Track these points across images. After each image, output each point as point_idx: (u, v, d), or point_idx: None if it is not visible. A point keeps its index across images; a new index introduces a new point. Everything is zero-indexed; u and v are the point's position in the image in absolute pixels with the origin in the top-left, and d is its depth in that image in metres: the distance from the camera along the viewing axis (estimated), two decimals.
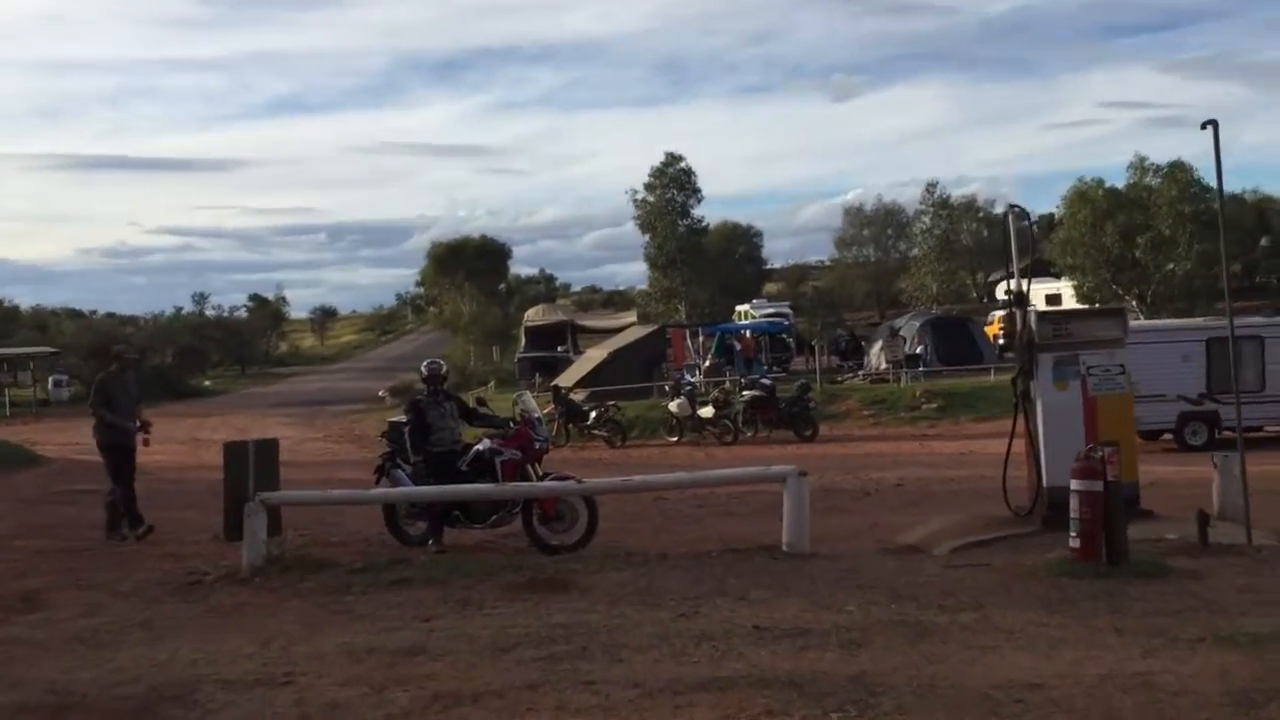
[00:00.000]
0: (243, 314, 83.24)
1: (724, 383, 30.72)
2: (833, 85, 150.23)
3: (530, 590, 7.83)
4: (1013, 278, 9.63)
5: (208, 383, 56.81)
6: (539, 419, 11.24)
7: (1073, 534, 7.31)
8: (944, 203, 49.54)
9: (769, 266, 77.70)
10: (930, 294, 47.91)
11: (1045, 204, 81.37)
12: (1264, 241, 63.61)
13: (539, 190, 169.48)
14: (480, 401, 11.78)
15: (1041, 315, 8.87)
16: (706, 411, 25.55)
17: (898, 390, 28.80)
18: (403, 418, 11.43)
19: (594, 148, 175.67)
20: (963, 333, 36.67)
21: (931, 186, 48.83)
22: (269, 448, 9.67)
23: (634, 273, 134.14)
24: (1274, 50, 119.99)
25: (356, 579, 8.73)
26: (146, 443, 12.60)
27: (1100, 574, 7.06)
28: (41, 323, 65.29)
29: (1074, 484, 7.27)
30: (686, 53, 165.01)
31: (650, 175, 47.07)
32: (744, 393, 25.68)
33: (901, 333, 36.32)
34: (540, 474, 11.00)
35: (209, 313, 77.99)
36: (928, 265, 47.23)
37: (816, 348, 36.25)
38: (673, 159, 46.90)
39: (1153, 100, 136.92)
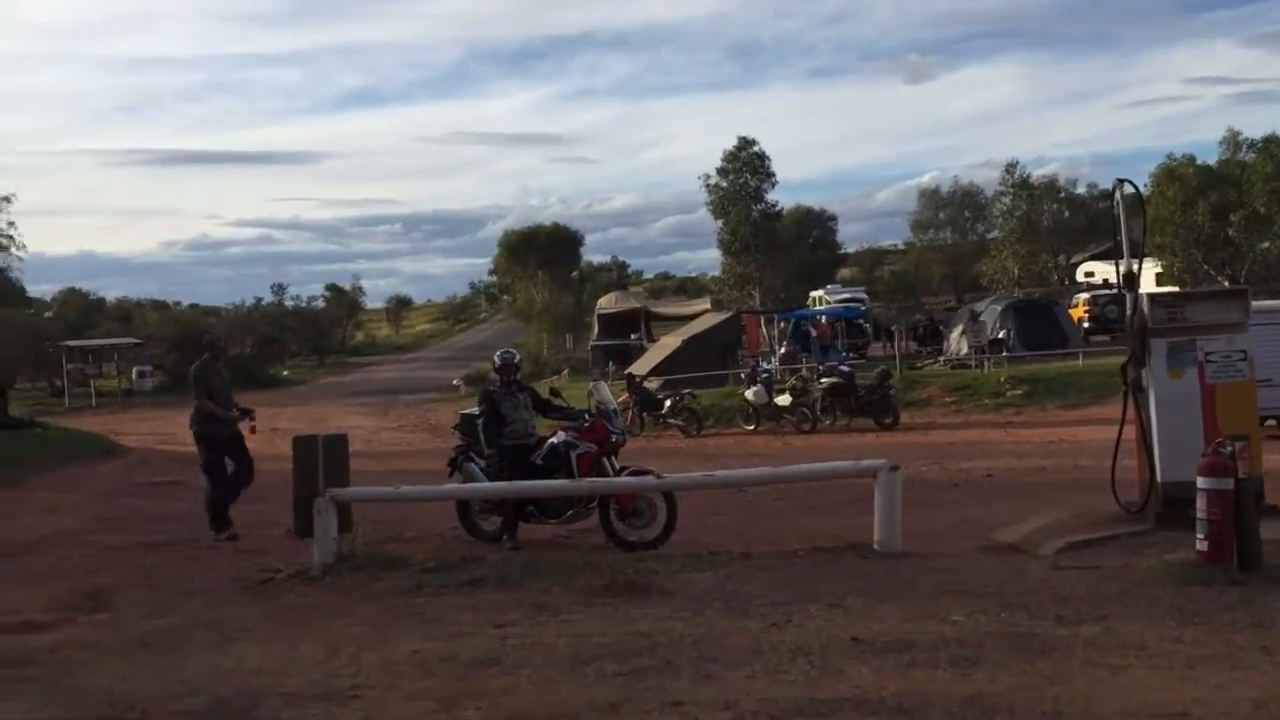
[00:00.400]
0: (320, 304, 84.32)
1: (801, 370, 30.13)
2: (907, 66, 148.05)
3: (609, 594, 7.42)
4: (1106, 259, 8.96)
5: (286, 372, 57.40)
6: (615, 410, 10.84)
7: (1199, 535, 6.69)
8: (1024, 183, 47.97)
9: (843, 251, 76.54)
10: (1012, 277, 46.58)
11: (1138, 182, 78.62)
12: None
13: (611, 178, 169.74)
14: (554, 392, 11.42)
15: (1154, 298, 8.22)
16: (784, 400, 24.98)
17: (981, 376, 27.94)
18: (475, 409, 11.10)
19: (666, 134, 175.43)
20: (1047, 316, 35.51)
21: (1011, 167, 47.57)
22: (338, 443, 9.40)
23: (706, 259, 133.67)
24: None
25: (429, 579, 8.40)
26: (253, 430, 12.46)
27: (1233, 580, 6.44)
28: (125, 314, 66.59)
29: (1201, 481, 6.66)
30: (759, 36, 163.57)
31: (723, 160, 46.45)
32: (822, 380, 25.08)
33: (983, 317, 35.33)
34: (617, 468, 10.60)
35: (287, 303, 79.15)
36: (1009, 247, 45.82)
37: (896, 333, 35.33)
38: (746, 143, 46.23)
39: (1238, 75, 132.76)
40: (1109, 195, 9.14)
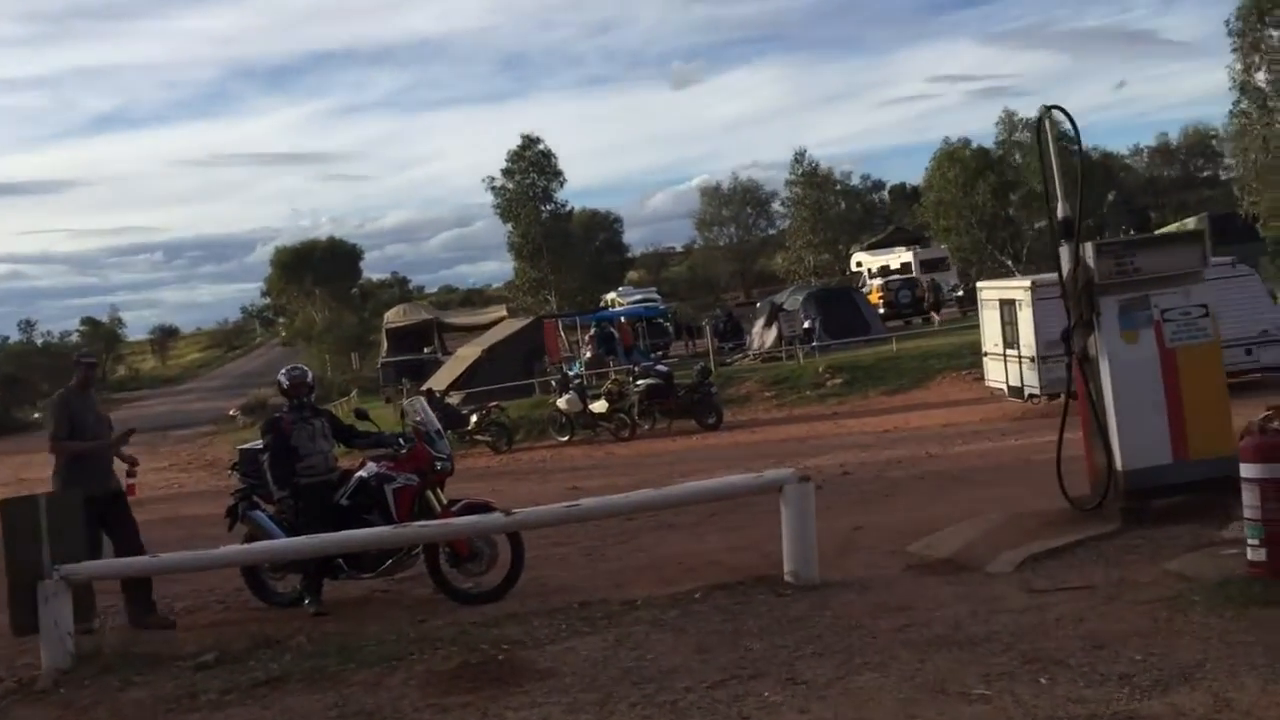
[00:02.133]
0: (74, 339, 77.36)
1: (610, 373, 28.45)
2: (671, 73, 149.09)
3: (465, 683, 5.39)
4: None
5: (36, 414, 51.70)
6: (438, 431, 8.72)
7: (1252, 541, 5.22)
8: (813, 171, 47.83)
9: (630, 254, 75.76)
10: (808, 267, 46.35)
11: (891, 177, 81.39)
12: (1110, 197, 64.43)
13: (384, 194, 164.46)
14: (360, 414, 9.13)
15: (1101, 247, 6.79)
16: (599, 406, 23.19)
17: (798, 367, 26.92)
18: (258, 442, 8.78)
19: (438, 148, 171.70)
20: (848, 303, 35.03)
21: (800, 155, 47.33)
22: (66, 504, 6.93)
23: (487, 271, 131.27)
24: (1088, 19, 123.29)
25: (206, 680, 6.13)
26: (133, 490, 9.07)
27: None
28: None
29: (1249, 469, 5.20)
30: (528, 47, 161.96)
31: (508, 160, 44.27)
32: (638, 382, 23.41)
33: (785, 306, 34.65)
34: (443, 501, 8.52)
35: (37, 340, 72.09)
36: (802, 237, 45.55)
37: (708, 329, 34.11)
38: (530, 141, 44.15)
39: (977, 72, 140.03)
40: (1035, 126, 7.63)
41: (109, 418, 9.14)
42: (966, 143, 43.01)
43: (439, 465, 8.49)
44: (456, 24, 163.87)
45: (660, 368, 23.93)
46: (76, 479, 8.23)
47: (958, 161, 42.51)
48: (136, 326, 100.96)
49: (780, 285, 57.73)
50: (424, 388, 28.48)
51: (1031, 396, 18.06)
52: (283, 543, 7.20)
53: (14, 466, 33.06)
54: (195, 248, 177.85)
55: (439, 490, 8.58)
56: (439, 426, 8.78)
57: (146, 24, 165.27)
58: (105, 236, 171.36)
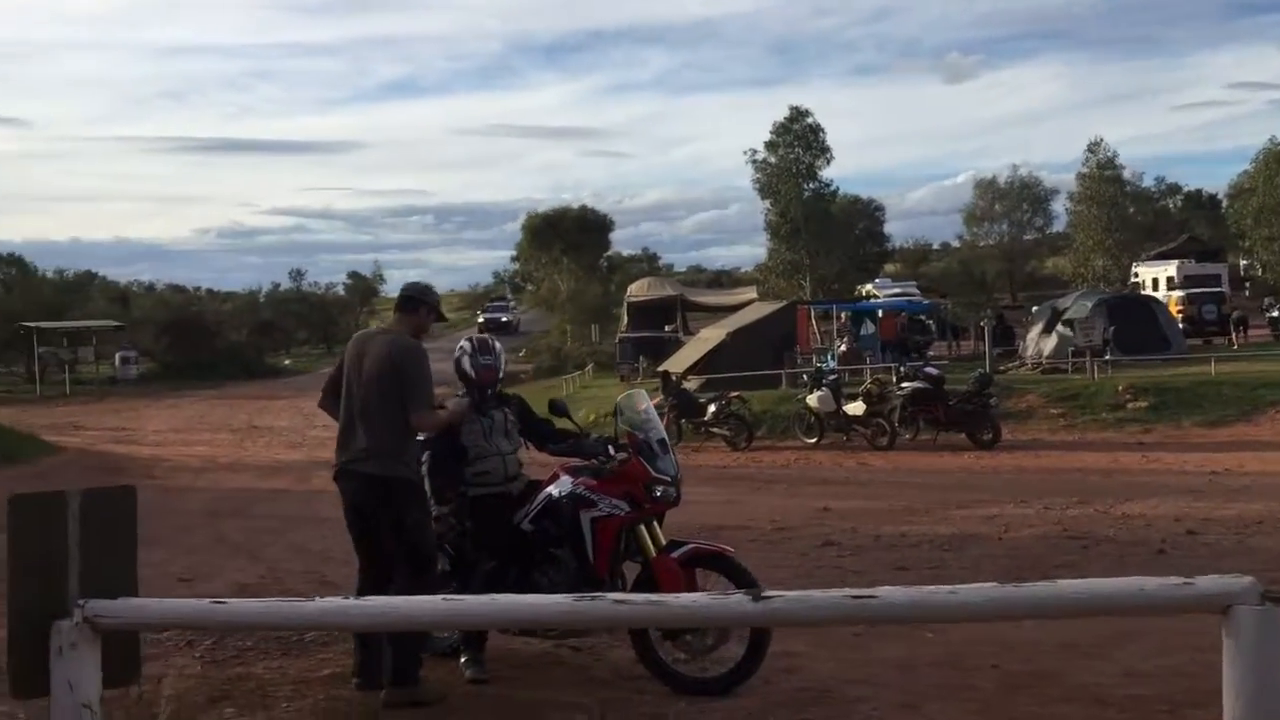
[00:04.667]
0: (339, 291, 79.91)
1: (866, 371, 25.43)
2: (946, 66, 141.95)
3: None
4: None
5: (288, 361, 53.04)
6: (663, 442, 6.13)
7: None
8: (1110, 163, 42.13)
9: (891, 245, 71.66)
10: (1095, 272, 41.21)
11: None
12: None
13: (644, 172, 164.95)
14: (558, 409, 6.57)
15: None
16: (855, 408, 20.27)
17: (1091, 384, 23.07)
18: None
19: (702, 130, 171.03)
20: (1144, 315, 30.59)
21: (1095, 145, 41.82)
22: (115, 504, 4.72)
23: (739, 254, 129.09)
24: None
25: None
26: None
27: None
28: (121, 295, 62.34)
29: None
30: (799, 33, 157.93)
31: (772, 132, 41.28)
32: (903, 385, 20.32)
33: (1070, 314, 30.53)
34: (661, 541, 5.97)
35: (306, 290, 74.65)
36: (1092, 237, 40.47)
37: (986, 330, 30.41)
38: (798, 114, 41.00)
39: None
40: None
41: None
42: None
43: (659, 492, 5.92)
44: (730, 7, 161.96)
45: (930, 370, 20.75)
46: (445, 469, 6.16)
47: None
48: (396, 284, 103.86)
49: (1055, 289, 52.69)
50: (661, 369, 26.28)
51: None
52: (410, 605, 4.67)
53: (252, 411, 33.10)
54: (462, 213, 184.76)
55: (656, 525, 6.04)
56: (664, 435, 6.19)
57: None
58: (382, 197, 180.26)
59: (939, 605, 4.42)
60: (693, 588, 5.84)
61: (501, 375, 6.41)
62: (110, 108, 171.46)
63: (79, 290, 54.85)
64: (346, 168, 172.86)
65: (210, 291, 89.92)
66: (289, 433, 26.77)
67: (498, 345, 6.48)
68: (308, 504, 12.99)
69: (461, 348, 6.44)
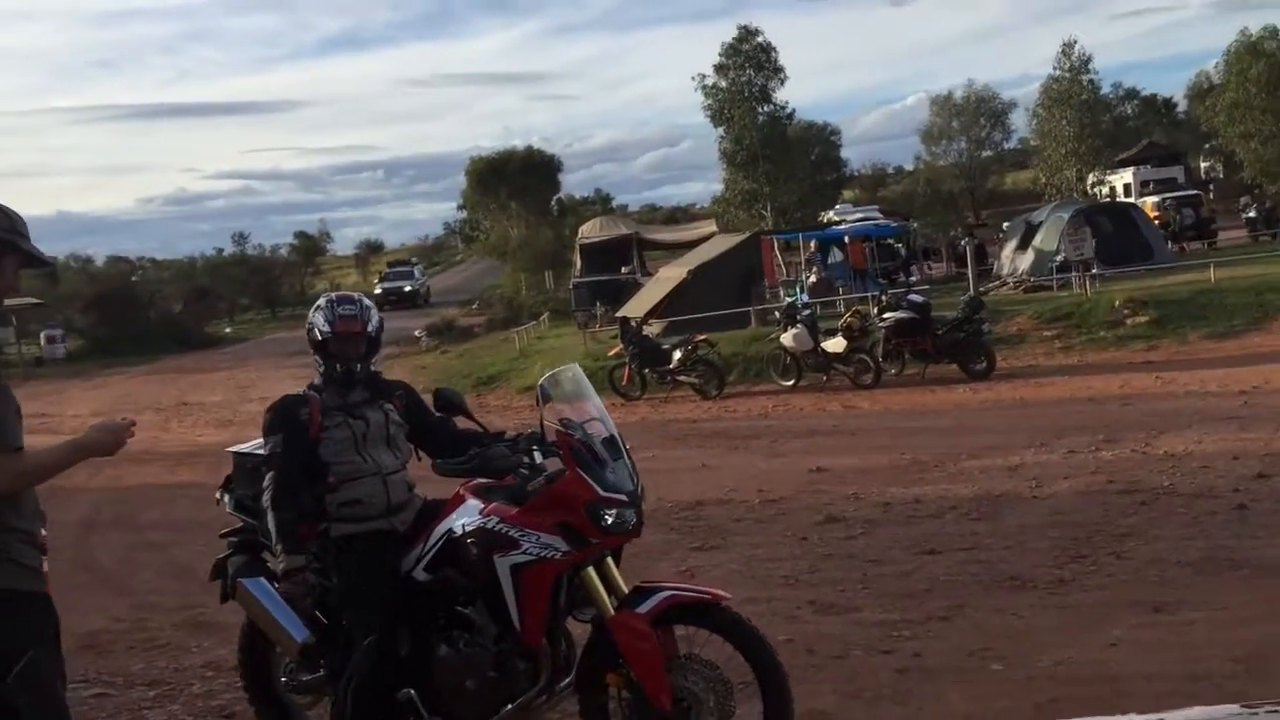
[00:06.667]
0: (284, 253, 76.94)
1: (840, 302, 23.57)
2: None
3: None
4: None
5: (228, 329, 50.47)
6: (612, 440, 4.15)
7: None
8: (1085, 65, 39.74)
9: (849, 171, 69.59)
10: (1067, 183, 39.23)
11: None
12: None
13: (593, 114, 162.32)
14: (448, 403, 4.48)
15: None
16: (835, 344, 18.38)
17: (1086, 301, 21.27)
18: (259, 444, 4.44)
19: (648, 68, 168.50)
20: (1127, 224, 28.88)
21: (1068, 46, 39.48)
22: None
23: (692, 192, 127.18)
24: None
25: None
26: None
27: None
28: (50, 271, 59.26)
29: None
30: None
31: (721, 54, 38.78)
32: (884, 315, 18.44)
33: (1045, 227, 28.79)
34: (621, 588, 4.05)
35: (250, 253, 71.66)
36: (1066, 145, 38.47)
37: (968, 249, 28.59)
38: (748, 33, 38.48)
39: None
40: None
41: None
42: (1275, 31, 35.25)
43: (609, 519, 3.94)
44: None
45: (914, 297, 18.82)
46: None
47: (1263, 56, 34.91)
48: (347, 242, 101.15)
49: (1020, 205, 50.85)
50: (619, 314, 24.28)
51: None
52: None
53: (185, 387, 30.77)
54: (411, 166, 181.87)
55: (611, 563, 4.09)
56: (613, 432, 4.17)
57: None
58: (330, 155, 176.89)
59: None
60: (671, 653, 3.94)
61: (373, 333, 4.41)
62: (42, 79, 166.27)
63: None
64: (292, 127, 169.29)
65: (154, 261, 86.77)
66: (220, 408, 24.59)
67: (367, 300, 4.50)
68: (210, 503, 10.96)
69: (316, 305, 4.47)
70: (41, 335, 40.73)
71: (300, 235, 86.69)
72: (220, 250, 72.77)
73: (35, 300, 41.54)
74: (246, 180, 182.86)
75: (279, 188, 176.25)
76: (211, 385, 30.50)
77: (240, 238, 77.50)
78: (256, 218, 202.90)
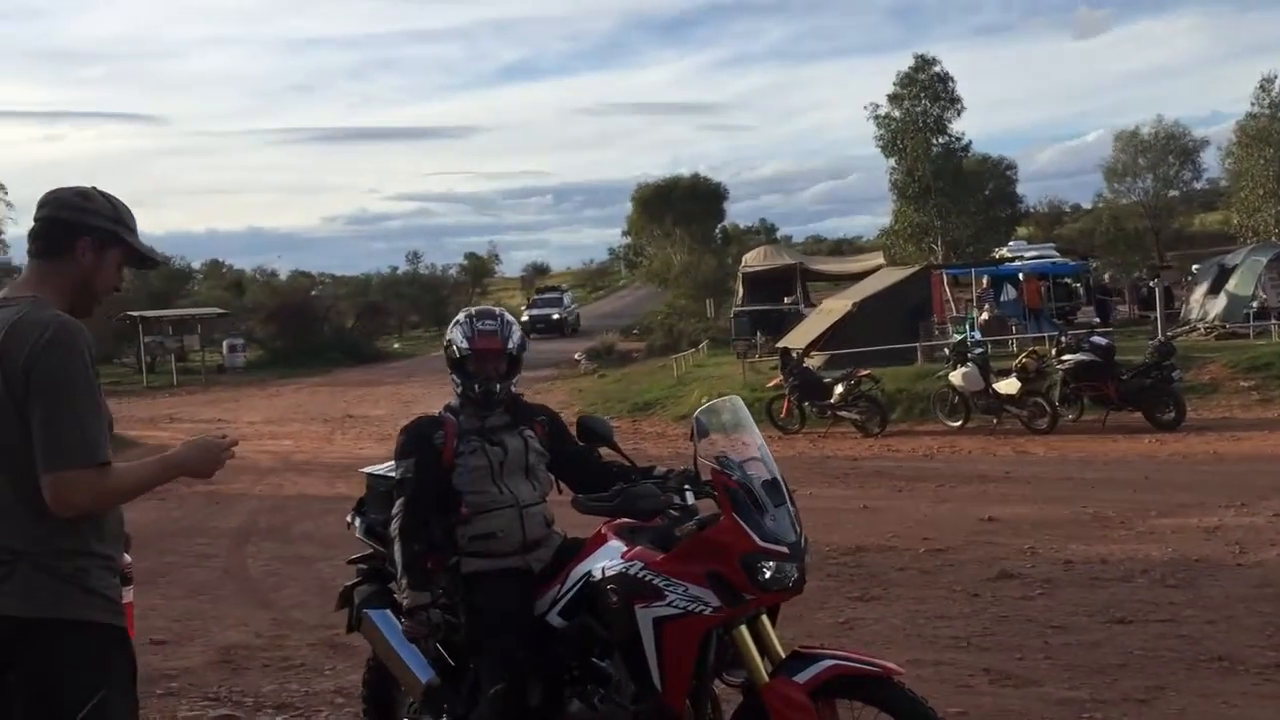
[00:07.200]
0: (454, 273, 79.02)
1: (1012, 341, 22.49)
2: (1076, 20, 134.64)
3: None
4: None
5: (397, 345, 51.78)
6: (774, 484, 3.68)
7: None
8: None
9: (1024, 207, 67.33)
10: (1265, 225, 36.78)
11: None
12: None
13: (762, 145, 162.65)
14: (592, 432, 4.05)
15: None
16: (1008, 386, 17.42)
17: None
18: (393, 467, 4.12)
19: (820, 99, 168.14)
20: None
21: (1268, 82, 37.02)
22: None
23: (859, 224, 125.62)
24: None
25: None
26: None
27: None
28: (236, 281, 62.06)
29: None
30: None
31: (896, 83, 37.83)
32: (1064, 357, 17.41)
33: (1241, 271, 27.02)
34: (777, 650, 3.56)
35: (423, 272, 73.86)
36: (1264, 185, 36.15)
37: (1158, 291, 26.94)
38: (924, 62, 37.59)
39: None
40: None
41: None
42: None
43: (767, 573, 3.46)
44: None
45: (1098, 339, 17.73)
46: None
47: None
48: (515, 264, 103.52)
49: (1209, 247, 48.09)
50: (779, 344, 23.73)
51: None
52: None
53: (352, 400, 31.52)
54: (580, 192, 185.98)
55: (767, 623, 3.61)
56: (775, 474, 3.70)
57: None
58: (503, 179, 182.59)
59: None
60: None
61: (514, 351, 4.05)
62: (242, 103, 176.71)
63: (187, 279, 54.37)
64: (467, 152, 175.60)
65: (333, 277, 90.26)
66: (383, 422, 24.98)
67: (509, 315, 4.17)
68: None
69: (455, 321, 4.16)
70: (224, 344, 42.45)
71: (470, 256, 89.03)
72: (395, 269, 75.25)
73: (220, 310, 43.46)
74: (423, 202, 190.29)
75: (453, 210, 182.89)
76: (376, 399, 31.14)
77: (414, 257, 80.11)
78: (431, 238, 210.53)
